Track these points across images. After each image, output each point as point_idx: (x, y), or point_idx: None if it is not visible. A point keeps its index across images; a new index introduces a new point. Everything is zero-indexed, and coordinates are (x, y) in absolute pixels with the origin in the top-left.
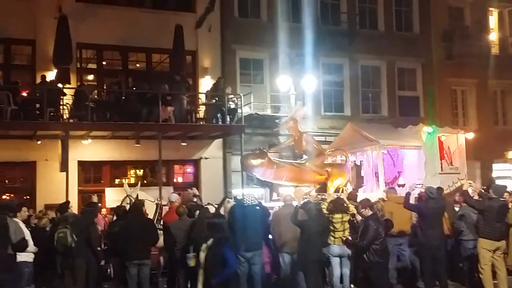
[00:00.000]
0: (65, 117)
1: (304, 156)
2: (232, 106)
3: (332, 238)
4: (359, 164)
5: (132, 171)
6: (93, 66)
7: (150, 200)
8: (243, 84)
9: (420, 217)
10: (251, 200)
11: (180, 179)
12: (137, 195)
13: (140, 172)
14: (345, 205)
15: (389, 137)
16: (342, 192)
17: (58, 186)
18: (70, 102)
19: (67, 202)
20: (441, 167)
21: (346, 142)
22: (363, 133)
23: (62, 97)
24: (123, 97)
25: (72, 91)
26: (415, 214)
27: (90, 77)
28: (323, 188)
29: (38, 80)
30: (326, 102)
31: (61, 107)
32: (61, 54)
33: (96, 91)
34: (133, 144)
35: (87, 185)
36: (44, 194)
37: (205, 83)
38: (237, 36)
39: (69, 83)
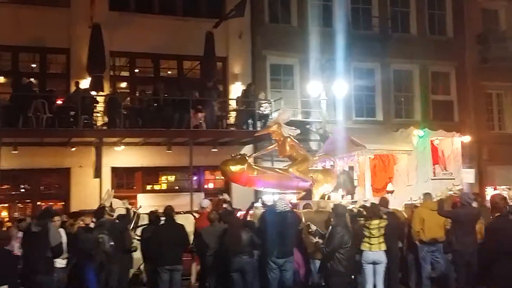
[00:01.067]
0: (98, 124)
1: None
2: (263, 111)
3: (367, 245)
4: (347, 169)
5: (163, 177)
6: (126, 73)
7: (123, 207)
8: (274, 89)
9: (455, 223)
10: (283, 205)
11: (211, 185)
12: (111, 203)
13: (171, 178)
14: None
15: (377, 142)
16: (328, 198)
17: (91, 192)
18: (103, 109)
19: (103, 207)
20: (434, 173)
21: (335, 147)
22: (351, 138)
23: (95, 105)
24: (155, 104)
25: (105, 99)
26: (449, 220)
27: (123, 84)
28: (308, 195)
29: (73, 88)
30: (357, 107)
31: (94, 114)
32: (94, 62)
33: (128, 98)
34: (164, 150)
35: (120, 190)
36: (78, 200)
37: (236, 89)
38: (268, 42)
39: (103, 91)
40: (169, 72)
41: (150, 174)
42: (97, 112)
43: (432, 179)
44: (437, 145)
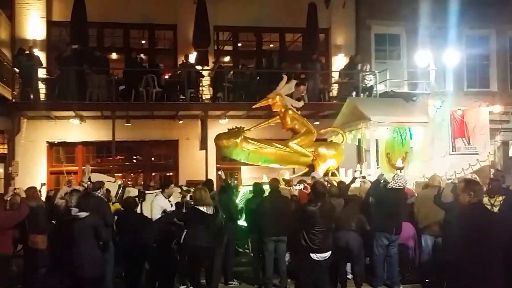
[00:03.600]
0: (204, 97)
1: None
2: (368, 83)
3: None
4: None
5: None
6: (229, 47)
7: (110, 181)
8: (379, 60)
9: None
10: (399, 183)
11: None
12: (89, 178)
13: None
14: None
15: (386, 113)
16: (332, 175)
17: (198, 163)
18: (208, 83)
19: (211, 181)
20: (454, 147)
21: (346, 120)
22: (359, 109)
23: (201, 79)
24: (258, 78)
25: (209, 73)
26: None
27: (226, 58)
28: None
29: (179, 63)
30: (469, 78)
31: (200, 88)
32: (199, 37)
33: (231, 72)
34: None
35: (225, 163)
36: (185, 171)
37: (338, 61)
38: (372, 11)
39: (207, 65)
40: (271, 45)
41: None
42: (203, 86)
43: (451, 154)
44: (460, 116)
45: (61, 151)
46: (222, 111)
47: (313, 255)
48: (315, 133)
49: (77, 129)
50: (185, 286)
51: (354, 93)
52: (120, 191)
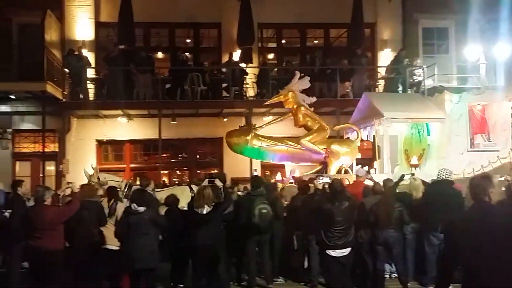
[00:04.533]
0: (248, 95)
1: None
2: (415, 79)
3: None
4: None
5: None
6: (273, 44)
7: (117, 180)
8: (426, 55)
9: None
10: (445, 174)
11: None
12: (98, 178)
13: None
14: None
15: (401, 109)
16: (345, 172)
17: (242, 160)
18: (253, 80)
19: (258, 177)
20: (472, 143)
21: (361, 116)
22: (373, 104)
23: (245, 76)
24: (302, 74)
25: (254, 70)
26: None
27: (270, 55)
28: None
29: (224, 61)
30: None
31: (244, 85)
32: (244, 35)
33: (275, 69)
34: None
35: None
36: (230, 168)
37: (385, 56)
38: (420, 4)
39: (252, 63)
40: (315, 42)
41: None
42: (247, 84)
43: (469, 151)
44: (480, 111)
45: (109, 149)
46: (266, 108)
47: (329, 252)
48: (328, 130)
49: (124, 127)
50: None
51: (400, 88)
52: (126, 190)
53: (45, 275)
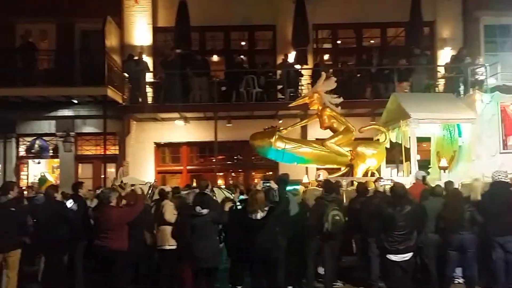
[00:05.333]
0: None
1: None
2: (478, 77)
3: None
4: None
5: None
6: (328, 45)
7: (141, 183)
8: (489, 53)
9: None
10: (498, 175)
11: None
12: (122, 181)
13: None
14: None
15: (430, 109)
16: (371, 175)
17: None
18: (308, 82)
19: (332, 182)
20: (505, 145)
21: (390, 117)
22: (400, 105)
23: (300, 78)
24: (358, 75)
25: (309, 71)
26: None
27: (325, 56)
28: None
29: (279, 63)
30: None
31: (299, 87)
32: (299, 36)
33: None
34: (369, 121)
35: None
36: (286, 170)
37: (444, 55)
38: (480, 2)
39: (307, 64)
40: (371, 41)
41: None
42: (302, 85)
43: (501, 153)
44: None
45: (166, 151)
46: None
47: (390, 256)
48: (354, 132)
49: (181, 130)
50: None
51: (462, 88)
52: (150, 191)
53: (110, 274)
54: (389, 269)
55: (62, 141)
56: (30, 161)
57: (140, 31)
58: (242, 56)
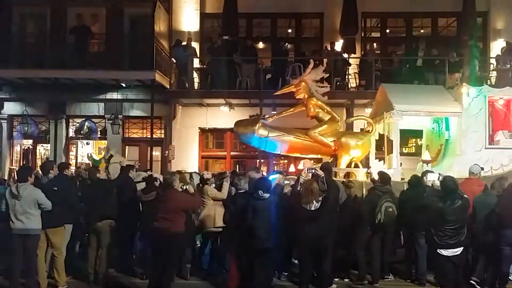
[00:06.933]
0: (350, 86)
1: None
2: None
3: None
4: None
5: (412, 140)
6: (377, 34)
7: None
8: None
9: None
10: None
11: None
12: (110, 155)
13: (420, 141)
14: None
15: (415, 101)
16: (355, 166)
17: None
18: (355, 71)
19: (386, 173)
20: (492, 140)
21: (378, 108)
22: (387, 96)
23: (347, 67)
24: (407, 65)
25: (356, 61)
26: None
27: (374, 45)
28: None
29: (324, 51)
30: None
31: (346, 76)
32: (347, 24)
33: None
34: None
35: None
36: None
37: (498, 47)
38: None
39: (354, 53)
40: (421, 31)
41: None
42: (349, 74)
43: (487, 148)
44: (503, 106)
45: (210, 137)
46: (368, 99)
47: (441, 251)
48: (340, 122)
49: (226, 116)
50: None
51: None
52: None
53: (166, 256)
54: (439, 264)
55: (110, 123)
56: (78, 142)
57: (188, 17)
58: (288, 44)
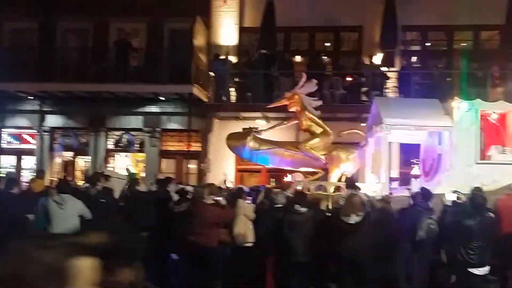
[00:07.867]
0: None
1: None
2: None
3: None
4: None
5: None
6: (417, 47)
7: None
8: None
9: None
10: None
11: None
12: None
13: None
14: None
15: (407, 115)
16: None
17: None
18: (394, 85)
19: (429, 190)
20: (484, 155)
21: (371, 121)
22: (378, 110)
23: (386, 81)
24: (448, 79)
25: (395, 74)
26: None
27: (413, 59)
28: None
29: (364, 65)
30: None
31: (384, 89)
32: (386, 37)
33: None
34: None
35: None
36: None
37: None
38: None
39: (393, 66)
40: (463, 44)
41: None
42: (387, 88)
43: (478, 163)
44: (496, 121)
45: None
46: None
47: (471, 270)
48: (332, 136)
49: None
50: None
51: None
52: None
53: (201, 270)
54: (471, 283)
55: (149, 136)
56: (116, 154)
57: (227, 31)
58: (326, 57)
